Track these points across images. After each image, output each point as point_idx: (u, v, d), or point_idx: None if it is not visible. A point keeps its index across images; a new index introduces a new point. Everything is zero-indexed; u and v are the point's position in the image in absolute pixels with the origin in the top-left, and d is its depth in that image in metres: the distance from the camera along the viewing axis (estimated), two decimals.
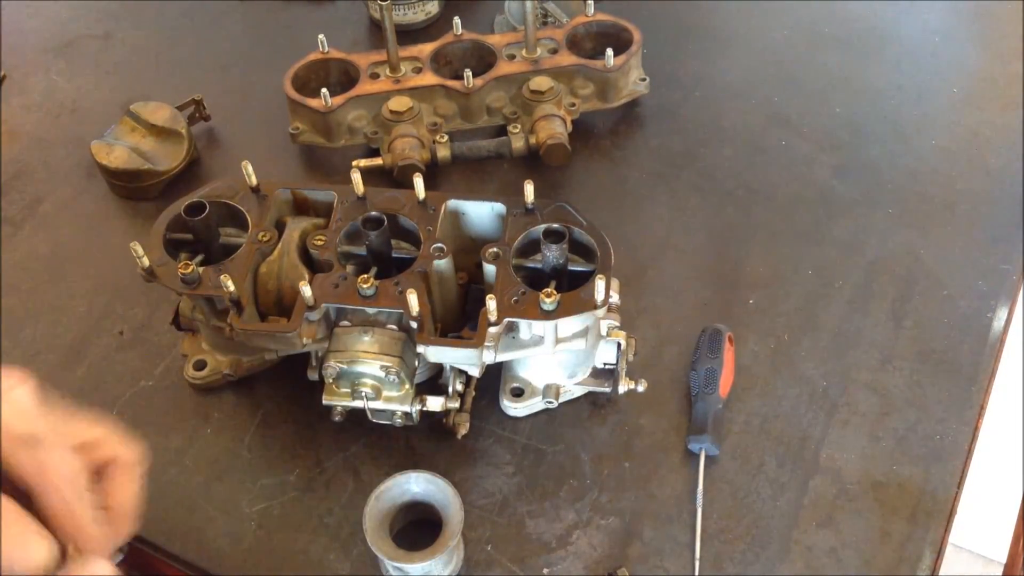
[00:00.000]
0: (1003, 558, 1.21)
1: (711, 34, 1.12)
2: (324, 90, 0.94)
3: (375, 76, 0.97)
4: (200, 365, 0.79)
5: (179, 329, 0.79)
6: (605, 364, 0.76)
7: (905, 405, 0.78)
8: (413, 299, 0.67)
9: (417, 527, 0.70)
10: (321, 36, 0.99)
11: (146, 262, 0.71)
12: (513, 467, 0.76)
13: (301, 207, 0.79)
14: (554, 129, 0.93)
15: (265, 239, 0.73)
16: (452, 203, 0.76)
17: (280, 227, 0.75)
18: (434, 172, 0.95)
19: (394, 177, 0.92)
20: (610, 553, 0.71)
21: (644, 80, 0.99)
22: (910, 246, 0.89)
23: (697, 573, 0.70)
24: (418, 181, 0.74)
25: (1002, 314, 0.83)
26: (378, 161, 0.93)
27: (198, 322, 0.77)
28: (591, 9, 1.00)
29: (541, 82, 0.95)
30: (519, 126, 0.94)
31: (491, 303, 0.67)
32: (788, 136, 0.99)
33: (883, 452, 0.76)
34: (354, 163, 0.94)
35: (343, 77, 0.99)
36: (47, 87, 1.10)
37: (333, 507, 0.74)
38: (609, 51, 0.95)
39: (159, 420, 0.78)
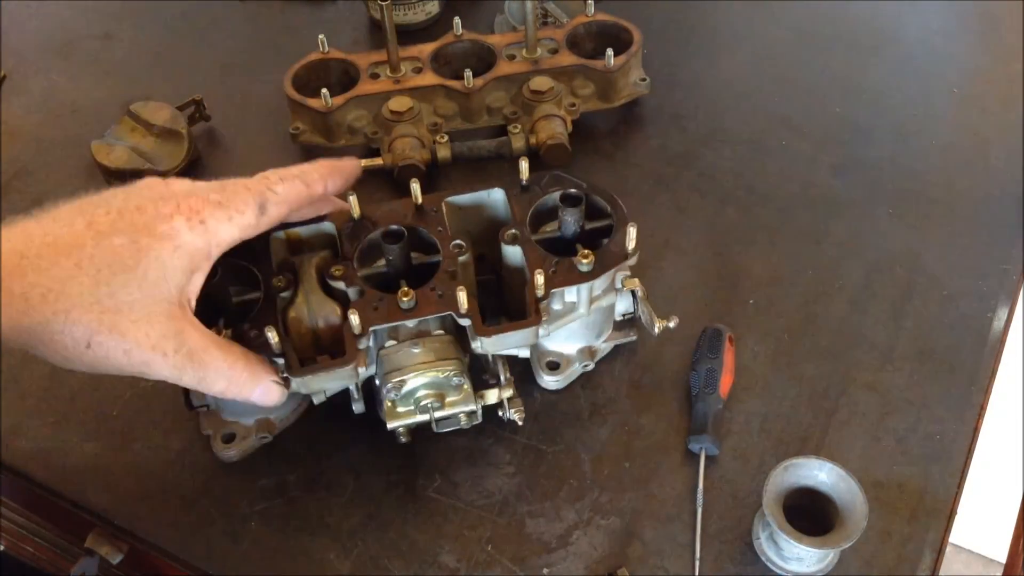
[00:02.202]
0: (1003, 558, 1.21)
1: (711, 34, 1.12)
2: (324, 90, 0.94)
3: (375, 76, 0.97)
4: (229, 438, 0.76)
5: (190, 408, 0.76)
6: (624, 315, 0.78)
7: (905, 405, 0.78)
8: (463, 296, 0.67)
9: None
10: (321, 36, 0.99)
11: None
12: (513, 467, 0.76)
13: (295, 247, 0.76)
14: (554, 129, 0.93)
15: (281, 284, 0.71)
16: (450, 200, 0.76)
17: (285, 269, 0.73)
18: (434, 172, 0.95)
19: (395, 177, 0.92)
20: (610, 553, 0.72)
21: (644, 80, 0.99)
22: (910, 246, 0.89)
23: (697, 573, 0.70)
24: (415, 186, 0.74)
25: (1002, 314, 0.84)
26: (378, 161, 0.93)
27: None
28: (591, 9, 1.00)
29: (541, 82, 0.95)
30: (519, 126, 0.94)
31: (539, 278, 0.68)
32: (788, 136, 0.99)
33: (883, 452, 0.76)
34: None
35: (343, 77, 0.99)
36: (47, 87, 1.10)
37: (333, 507, 0.74)
38: (609, 51, 0.96)
39: (160, 420, 0.78)
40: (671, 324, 0.73)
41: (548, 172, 0.76)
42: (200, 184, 0.64)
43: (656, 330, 0.73)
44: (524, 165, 0.75)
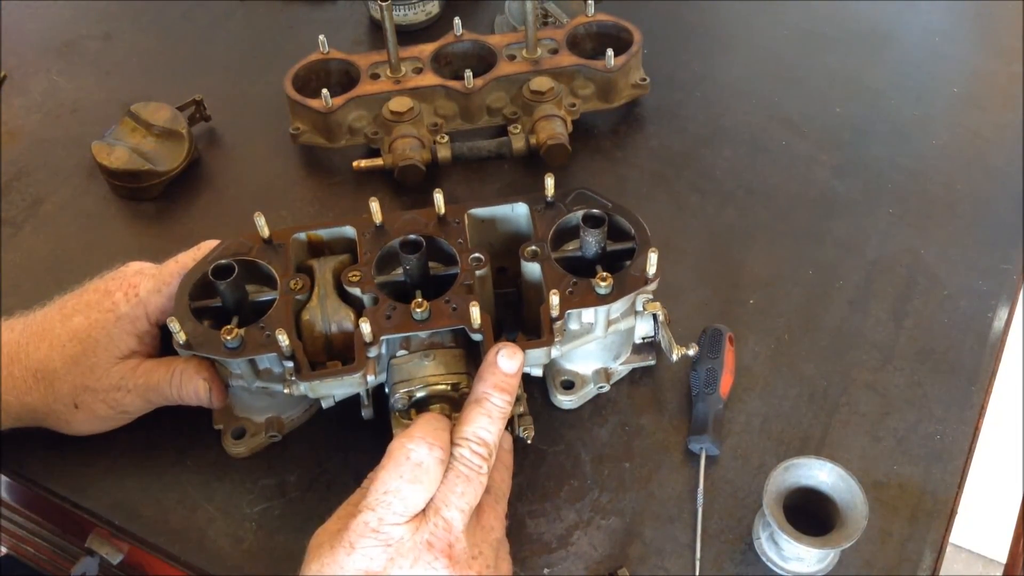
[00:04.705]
0: (1003, 558, 1.21)
1: (711, 34, 1.12)
2: (325, 91, 0.94)
3: (375, 76, 0.97)
4: (239, 433, 0.77)
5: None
6: (644, 338, 0.77)
7: (905, 405, 0.78)
8: (476, 311, 0.67)
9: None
10: (321, 36, 0.99)
11: (182, 337, 0.69)
12: (513, 467, 0.75)
13: (316, 249, 0.76)
14: (554, 129, 0.93)
15: (298, 287, 0.71)
16: (473, 212, 0.75)
17: (302, 272, 0.73)
18: (434, 172, 0.95)
19: (395, 177, 0.92)
20: (611, 553, 0.72)
21: (644, 80, 0.99)
22: (910, 246, 0.89)
23: (698, 573, 0.70)
24: (438, 197, 0.73)
25: (1002, 314, 0.84)
26: (378, 161, 0.93)
27: (237, 389, 0.74)
28: (591, 9, 1.00)
29: (541, 82, 0.95)
30: (519, 126, 0.94)
31: (554, 298, 0.67)
32: (788, 136, 0.99)
33: (883, 452, 0.76)
34: (355, 164, 0.94)
35: (343, 77, 0.99)
36: (48, 87, 1.10)
37: (334, 508, 0.74)
38: (609, 51, 0.96)
39: (161, 419, 0.78)
40: (690, 352, 0.73)
41: (575, 189, 0.75)
42: (152, 265, 0.76)
43: (674, 357, 0.72)
44: (550, 182, 0.74)
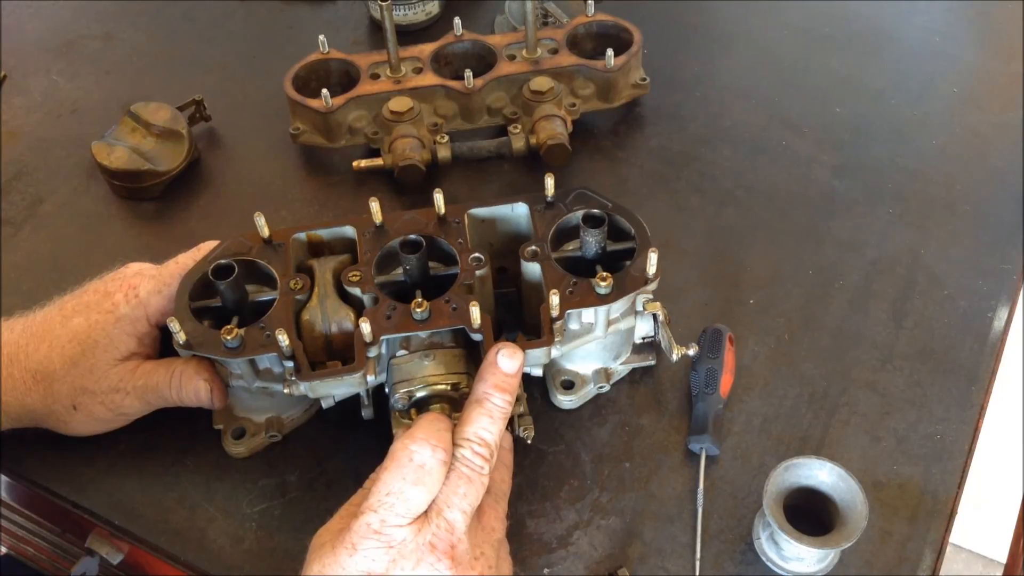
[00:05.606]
0: (1003, 558, 1.21)
1: (711, 34, 1.12)
2: (325, 91, 0.94)
3: (375, 76, 0.97)
4: (239, 433, 0.77)
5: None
6: (644, 338, 0.77)
7: (905, 405, 0.78)
8: (476, 311, 0.67)
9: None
10: (321, 36, 0.99)
11: (182, 337, 0.69)
12: (513, 467, 0.75)
13: (316, 249, 0.76)
14: (554, 129, 0.93)
15: (298, 287, 0.71)
16: (473, 212, 0.75)
17: (302, 272, 0.73)
18: (434, 172, 0.95)
19: (395, 177, 0.92)
20: (611, 553, 0.72)
21: (644, 80, 0.99)
22: (910, 246, 0.89)
23: (698, 573, 0.70)
24: (438, 197, 0.74)
25: (1002, 314, 0.84)
26: (378, 161, 0.93)
27: (237, 389, 0.74)
28: (591, 9, 1.00)
29: (541, 82, 0.95)
30: (519, 126, 0.94)
31: (554, 298, 0.67)
32: (788, 136, 0.99)
33: (883, 452, 0.76)
34: (355, 164, 0.94)
35: (343, 77, 0.99)
36: (47, 87, 1.10)
37: (334, 508, 0.74)
38: (609, 51, 0.96)
39: (161, 419, 0.78)
40: (690, 352, 0.72)
41: (574, 189, 0.76)
42: (152, 266, 0.76)
43: (674, 357, 0.72)
44: (549, 182, 0.74)
